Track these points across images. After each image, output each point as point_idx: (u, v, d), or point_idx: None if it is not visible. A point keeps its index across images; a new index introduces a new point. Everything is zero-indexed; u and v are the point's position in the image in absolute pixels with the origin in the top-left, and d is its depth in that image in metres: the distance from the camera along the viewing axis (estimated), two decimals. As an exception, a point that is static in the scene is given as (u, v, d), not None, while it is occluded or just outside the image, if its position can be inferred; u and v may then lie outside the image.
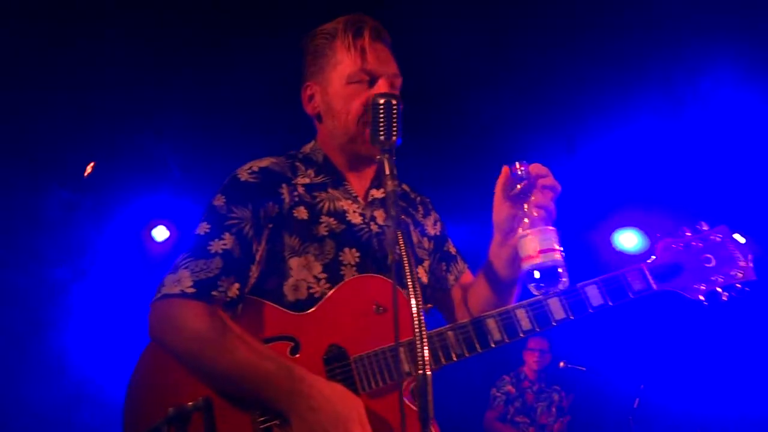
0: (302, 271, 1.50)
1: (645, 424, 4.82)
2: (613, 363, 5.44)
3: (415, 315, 1.09)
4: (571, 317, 1.41)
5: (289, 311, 1.49)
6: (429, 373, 1.03)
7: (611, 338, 5.63)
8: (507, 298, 1.55)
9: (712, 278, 1.39)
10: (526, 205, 1.39)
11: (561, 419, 5.17)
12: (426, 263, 1.72)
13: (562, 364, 5.24)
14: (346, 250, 1.54)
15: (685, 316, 5.33)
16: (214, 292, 1.43)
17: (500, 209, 1.48)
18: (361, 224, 1.60)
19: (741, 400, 5.24)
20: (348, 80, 1.58)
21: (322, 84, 1.64)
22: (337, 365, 1.43)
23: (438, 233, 1.81)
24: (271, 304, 1.50)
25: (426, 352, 1.05)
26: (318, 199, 1.59)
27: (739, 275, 1.37)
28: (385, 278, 1.49)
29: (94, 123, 4.32)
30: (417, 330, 1.07)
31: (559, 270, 1.33)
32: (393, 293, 1.13)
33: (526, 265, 1.35)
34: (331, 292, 1.48)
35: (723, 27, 3.98)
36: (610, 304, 1.40)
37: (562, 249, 1.34)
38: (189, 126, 4.55)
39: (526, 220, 1.38)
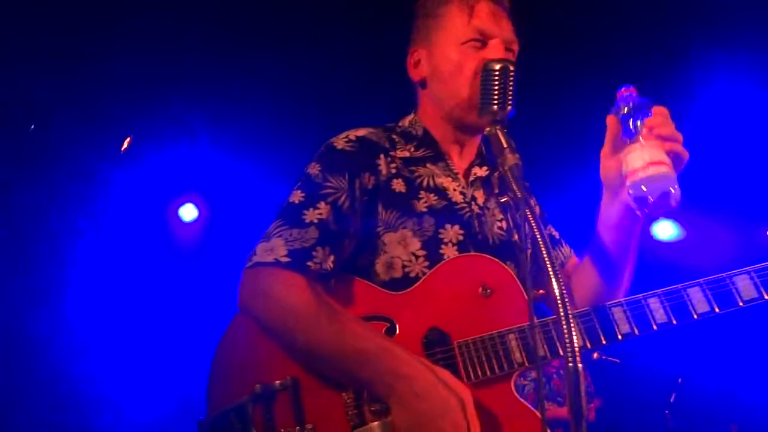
0: (397, 248, 1.41)
1: (683, 419, 4.73)
2: (649, 354, 5.34)
3: (558, 298, 0.98)
4: (717, 311, 1.26)
5: (384, 290, 1.39)
6: (580, 365, 0.95)
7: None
8: (620, 273, 1.42)
9: None
10: (634, 124, 1.25)
11: (589, 404, 5.12)
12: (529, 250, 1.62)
13: (596, 355, 5.15)
14: (448, 227, 1.44)
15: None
16: (309, 263, 1.34)
17: (609, 164, 1.34)
18: (462, 203, 1.51)
19: None
20: (459, 41, 1.50)
21: (430, 47, 1.57)
22: (439, 350, 1.32)
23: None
24: (364, 281, 1.41)
25: (575, 341, 0.95)
26: (416, 174, 1.51)
27: None
28: (492, 258, 1.38)
29: (129, 93, 4.19)
30: (563, 315, 0.97)
31: (671, 189, 1.17)
32: (549, 275, 1.01)
33: (630, 181, 1.20)
34: (431, 271, 1.38)
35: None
36: (767, 298, 1.25)
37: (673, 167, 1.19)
38: (227, 106, 4.41)
39: (640, 140, 1.22)
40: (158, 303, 4.84)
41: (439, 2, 1.57)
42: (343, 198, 1.41)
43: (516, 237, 1.51)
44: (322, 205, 1.40)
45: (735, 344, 5.34)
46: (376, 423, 1.26)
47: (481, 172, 1.59)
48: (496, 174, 1.60)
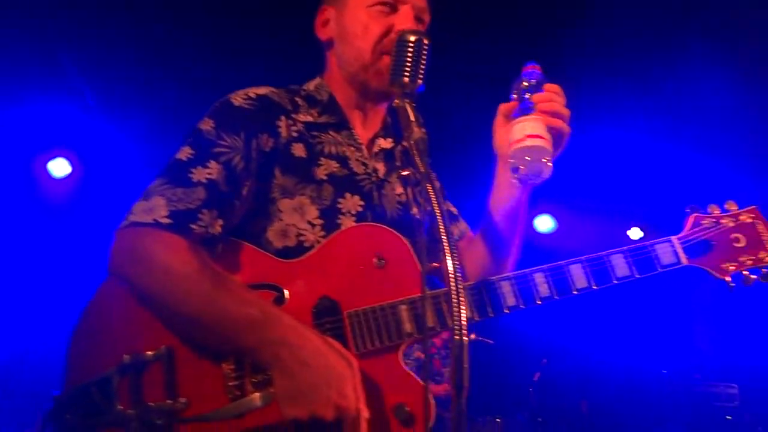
0: (293, 215, 1.35)
1: (543, 396, 5.15)
2: (517, 336, 5.76)
3: (451, 274, 0.98)
4: (594, 287, 1.32)
5: (275, 257, 1.32)
6: (466, 339, 0.93)
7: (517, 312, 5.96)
8: (509, 244, 1.48)
9: (741, 259, 1.34)
10: (528, 98, 1.34)
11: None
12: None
13: (472, 336, 5.44)
14: (348, 196, 1.40)
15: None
16: (192, 226, 1.24)
17: (501, 133, 1.42)
18: (363, 174, 1.47)
19: (635, 375, 5.76)
20: (368, 2, 1.45)
21: (339, 7, 1.51)
22: (329, 320, 1.28)
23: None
24: (254, 247, 1.33)
25: (464, 316, 0.94)
26: (318, 140, 1.44)
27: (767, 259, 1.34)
28: (388, 228, 1.36)
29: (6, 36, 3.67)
30: (454, 293, 0.97)
31: (544, 160, 1.26)
32: (444, 252, 1.01)
33: (510, 151, 1.29)
34: (326, 240, 1.33)
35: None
36: (637, 276, 1.33)
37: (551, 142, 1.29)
38: (109, 49, 4.00)
39: (530, 114, 1.32)
40: (15, 260, 4.35)
41: None
42: (237, 158, 1.32)
43: (414, 210, 1.51)
44: (212, 164, 1.30)
45: (591, 327, 5.89)
46: (257, 394, 1.20)
47: (385, 143, 1.56)
48: (399, 147, 1.58)
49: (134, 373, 1.23)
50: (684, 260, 1.35)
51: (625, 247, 1.33)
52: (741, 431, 4.86)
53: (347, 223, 1.37)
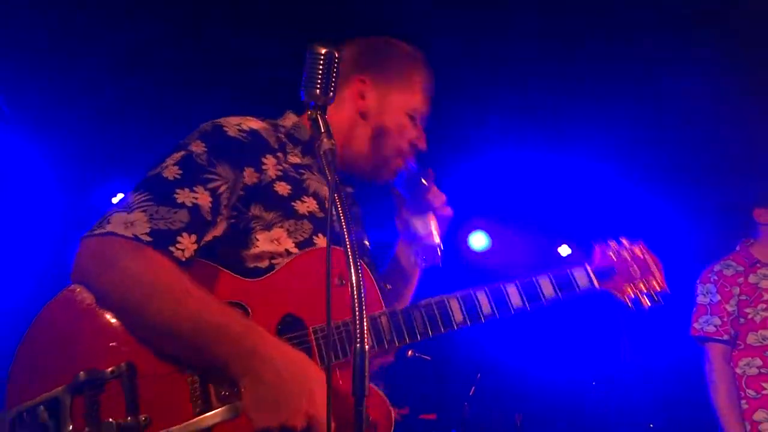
0: (270, 244, 1.38)
1: (479, 410, 5.26)
2: (452, 352, 5.87)
3: (354, 282, 1.05)
4: (528, 306, 1.51)
5: (238, 276, 1.35)
6: (367, 347, 1.01)
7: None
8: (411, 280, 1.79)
9: (637, 285, 1.64)
10: (412, 192, 1.69)
11: (399, 409, 5.47)
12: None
13: (410, 353, 5.49)
14: (320, 235, 1.44)
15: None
16: (171, 248, 1.26)
17: (404, 220, 1.75)
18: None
19: (567, 387, 5.99)
20: (408, 111, 1.62)
21: (382, 93, 1.62)
22: (294, 335, 1.33)
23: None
24: (218, 266, 1.35)
25: (365, 326, 1.02)
26: (304, 176, 1.50)
27: (657, 286, 1.64)
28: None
29: None
30: (356, 302, 1.03)
31: (439, 251, 1.68)
32: (349, 261, 1.08)
33: (422, 243, 1.68)
34: (288, 260, 1.38)
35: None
36: (560, 296, 1.54)
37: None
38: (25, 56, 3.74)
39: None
40: None
41: (405, 58, 1.67)
42: (223, 188, 1.34)
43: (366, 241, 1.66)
44: (200, 189, 1.31)
45: (523, 342, 6.10)
46: (225, 407, 1.21)
47: (348, 188, 1.68)
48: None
49: (90, 391, 1.19)
50: (596, 284, 1.59)
51: (549, 271, 1.55)
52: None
53: None
